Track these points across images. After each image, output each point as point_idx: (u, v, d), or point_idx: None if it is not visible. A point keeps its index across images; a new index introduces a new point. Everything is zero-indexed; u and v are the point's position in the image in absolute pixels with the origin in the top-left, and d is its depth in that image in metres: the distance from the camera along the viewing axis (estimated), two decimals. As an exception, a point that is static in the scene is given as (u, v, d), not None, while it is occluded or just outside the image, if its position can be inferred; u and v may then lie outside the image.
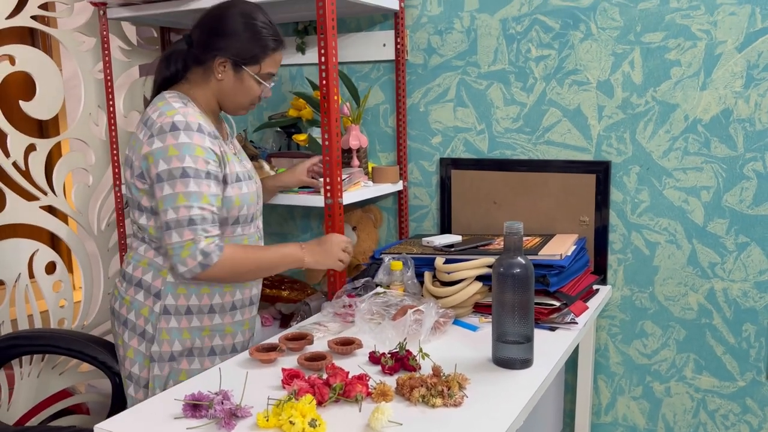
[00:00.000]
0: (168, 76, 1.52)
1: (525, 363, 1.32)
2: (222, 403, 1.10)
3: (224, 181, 1.45)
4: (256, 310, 1.64)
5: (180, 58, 1.51)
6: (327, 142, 1.73)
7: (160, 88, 1.53)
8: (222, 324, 1.53)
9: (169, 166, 1.36)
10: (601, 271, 1.93)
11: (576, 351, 1.96)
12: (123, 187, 2.23)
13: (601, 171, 1.89)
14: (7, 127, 2.03)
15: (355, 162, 2.08)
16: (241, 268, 1.44)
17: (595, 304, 1.74)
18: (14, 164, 2.05)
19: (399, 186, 2.14)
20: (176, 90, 1.50)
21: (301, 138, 2.14)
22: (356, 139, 2.06)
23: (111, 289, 2.32)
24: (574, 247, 1.76)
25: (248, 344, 1.63)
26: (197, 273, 1.37)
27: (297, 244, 1.54)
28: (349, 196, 1.86)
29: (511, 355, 1.31)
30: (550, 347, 1.43)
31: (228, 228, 1.49)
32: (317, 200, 1.82)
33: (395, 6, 2.03)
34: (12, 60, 2.03)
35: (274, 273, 1.55)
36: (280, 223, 2.47)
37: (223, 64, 1.46)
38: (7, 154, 2.03)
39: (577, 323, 1.56)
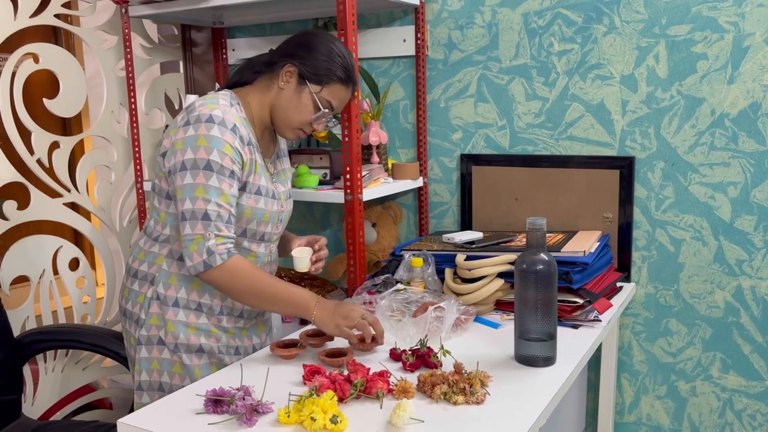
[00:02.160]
0: (238, 80, 1.53)
1: (548, 361, 1.30)
2: (243, 399, 1.10)
3: (242, 189, 1.42)
4: (245, 323, 1.55)
5: (257, 65, 1.52)
6: (347, 139, 1.73)
7: (228, 87, 1.54)
8: (207, 324, 1.49)
9: (195, 156, 1.34)
10: (624, 269, 1.90)
11: (599, 349, 1.94)
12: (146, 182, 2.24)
13: (624, 166, 1.87)
14: (31, 125, 2.05)
15: (375, 158, 2.07)
16: (242, 284, 1.36)
17: (618, 301, 1.71)
18: (38, 161, 2.07)
19: (419, 182, 2.13)
20: (238, 91, 1.50)
21: (321, 135, 2.13)
22: (376, 135, 2.05)
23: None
24: (598, 243, 1.73)
25: (241, 350, 1.56)
26: (200, 271, 1.34)
27: (314, 294, 1.39)
28: (369, 193, 1.85)
29: (534, 352, 1.30)
30: (573, 345, 1.41)
31: (236, 238, 1.46)
32: (337, 196, 1.81)
33: (416, 1, 2.02)
34: (36, 58, 2.05)
35: (274, 309, 1.42)
36: (300, 220, 2.47)
37: (290, 72, 1.45)
38: (31, 152, 2.06)
39: (600, 321, 1.54)
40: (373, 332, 1.36)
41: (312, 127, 1.50)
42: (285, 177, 1.61)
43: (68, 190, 2.16)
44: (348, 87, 1.49)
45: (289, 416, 1.07)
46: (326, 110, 1.47)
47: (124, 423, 1.11)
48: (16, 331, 1.98)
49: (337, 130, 2.14)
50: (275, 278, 1.40)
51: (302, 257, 1.55)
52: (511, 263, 1.58)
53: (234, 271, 1.35)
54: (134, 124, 2.26)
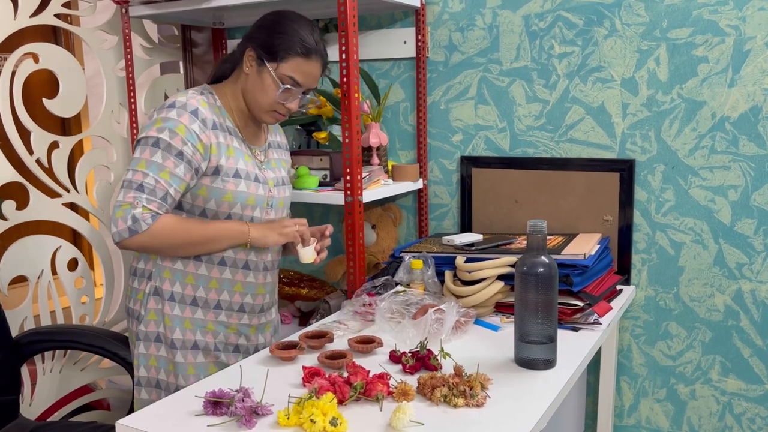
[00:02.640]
0: (218, 76, 1.56)
1: (548, 363, 1.30)
2: (243, 401, 1.09)
3: (215, 173, 1.43)
4: (251, 319, 1.56)
5: (229, 58, 1.55)
6: (347, 140, 1.73)
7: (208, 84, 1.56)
8: (204, 320, 1.50)
9: (147, 134, 1.39)
10: (624, 271, 1.90)
11: (598, 352, 1.93)
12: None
13: (625, 169, 1.86)
14: (31, 125, 2.05)
15: (375, 160, 2.07)
16: (172, 239, 1.38)
17: (618, 304, 1.71)
18: (37, 161, 2.07)
19: (419, 184, 2.13)
20: (214, 86, 1.53)
21: (321, 136, 2.13)
22: (376, 137, 2.05)
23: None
24: (598, 246, 1.73)
25: (242, 349, 1.56)
26: (125, 238, 1.34)
27: (244, 221, 1.47)
28: (369, 194, 1.85)
29: (534, 355, 1.29)
30: (574, 348, 1.41)
31: None
32: (337, 198, 1.81)
33: (416, 3, 2.02)
34: (36, 58, 2.05)
35: (216, 248, 1.45)
36: (300, 221, 2.46)
37: (251, 56, 1.47)
38: (30, 152, 2.05)
39: (600, 324, 1.54)
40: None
41: (285, 107, 1.49)
42: (276, 165, 1.61)
43: (67, 190, 2.16)
44: (310, 60, 1.46)
45: (288, 418, 1.07)
46: (289, 86, 1.46)
47: (122, 424, 1.10)
48: (15, 332, 1.98)
49: (337, 132, 2.14)
50: (203, 221, 1.44)
51: (307, 248, 1.53)
52: (511, 265, 1.58)
53: (160, 230, 1.37)
54: (134, 125, 2.25)
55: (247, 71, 1.48)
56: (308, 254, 1.52)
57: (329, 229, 1.61)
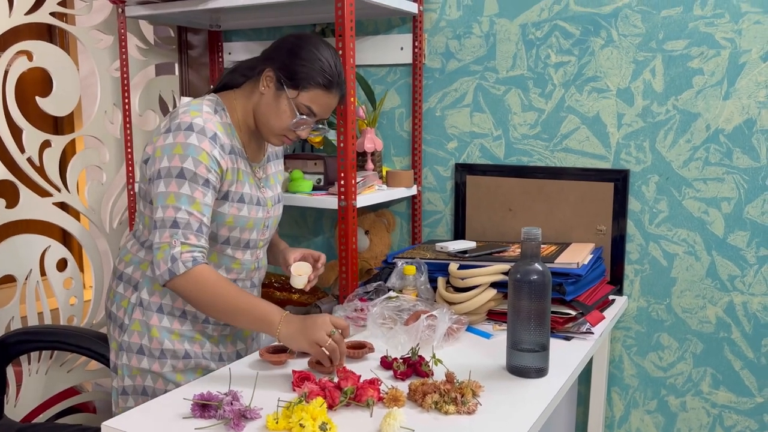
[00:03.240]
0: (227, 83, 1.51)
1: (540, 372, 1.29)
2: (231, 404, 1.08)
3: (224, 198, 1.40)
4: (231, 330, 1.54)
5: (243, 69, 1.50)
6: (342, 145, 1.72)
7: (216, 91, 1.52)
8: (192, 330, 1.47)
9: (170, 164, 1.32)
10: (617, 282, 1.90)
11: (590, 362, 1.93)
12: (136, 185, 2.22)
13: (619, 179, 1.87)
14: (23, 123, 2.03)
15: (370, 165, 2.06)
16: (206, 294, 1.30)
17: (610, 314, 1.71)
18: (29, 160, 2.05)
19: (413, 191, 2.12)
20: (224, 95, 1.48)
21: (316, 140, 2.12)
22: (371, 142, 2.04)
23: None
24: (591, 256, 1.73)
25: (228, 356, 1.54)
26: (166, 280, 1.30)
27: (281, 309, 1.32)
28: (363, 199, 1.84)
29: (526, 363, 1.29)
30: (566, 357, 1.40)
31: (218, 245, 1.44)
32: (331, 202, 1.80)
33: (414, 9, 2.02)
34: (30, 56, 2.04)
35: (239, 323, 1.35)
36: (292, 225, 2.45)
37: (269, 77, 1.41)
38: (22, 150, 2.03)
39: (593, 333, 1.53)
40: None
41: (295, 133, 1.45)
42: (274, 181, 1.58)
43: (58, 190, 2.14)
44: (330, 93, 1.43)
45: (277, 422, 1.06)
46: (304, 116, 1.42)
47: (108, 426, 1.08)
48: (0, 332, 1.95)
49: (332, 136, 2.13)
50: (241, 291, 1.34)
51: (301, 275, 1.52)
52: (504, 273, 1.57)
53: (198, 280, 1.30)
54: (127, 126, 2.24)
55: (263, 91, 1.43)
56: (300, 282, 1.53)
57: (323, 258, 1.60)
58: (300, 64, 1.39)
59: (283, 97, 1.41)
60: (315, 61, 1.40)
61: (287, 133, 1.45)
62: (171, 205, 1.31)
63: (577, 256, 1.65)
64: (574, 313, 1.56)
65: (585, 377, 1.99)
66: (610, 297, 1.82)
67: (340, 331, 1.30)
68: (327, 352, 1.26)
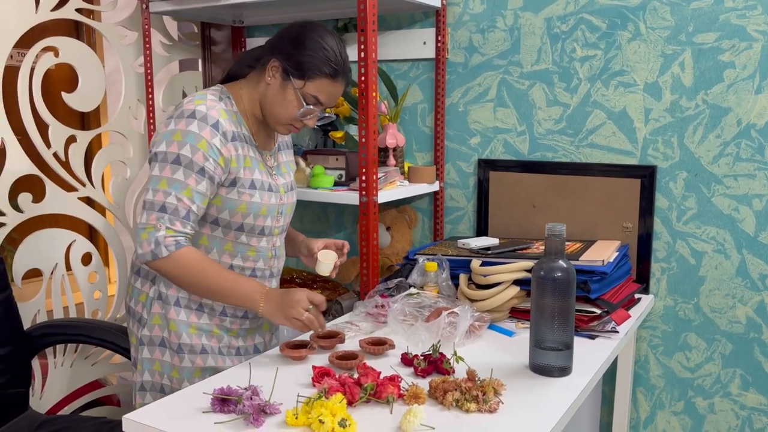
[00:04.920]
0: (233, 74, 1.52)
1: (563, 371, 1.27)
2: (251, 399, 1.07)
3: (232, 184, 1.41)
4: (252, 323, 1.54)
5: (249, 59, 1.50)
6: (364, 140, 1.71)
7: (222, 82, 1.52)
8: (210, 324, 1.47)
9: (167, 149, 1.34)
10: (643, 280, 1.86)
11: (614, 362, 1.89)
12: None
13: (646, 176, 1.83)
14: (49, 118, 2.05)
15: (392, 161, 2.05)
16: (189, 276, 1.35)
17: (636, 313, 1.67)
18: (55, 155, 2.07)
19: (435, 187, 2.10)
20: (230, 86, 1.49)
21: (337, 135, 2.12)
22: (393, 137, 2.03)
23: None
24: (617, 253, 1.69)
25: (246, 350, 1.54)
26: (148, 260, 1.33)
27: (261, 286, 1.39)
28: (385, 195, 1.83)
29: (549, 362, 1.26)
30: (590, 356, 1.38)
31: (232, 232, 1.45)
32: (352, 198, 1.79)
33: (437, 3, 2.00)
34: (56, 52, 2.06)
35: (224, 301, 1.40)
36: (314, 221, 2.45)
37: (275, 67, 1.41)
38: (48, 145, 2.06)
39: (618, 332, 1.50)
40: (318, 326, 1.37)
41: (302, 122, 1.46)
42: (286, 169, 1.59)
43: (83, 185, 2.16)
44: (336, 81, 1.42)
45: (296, 418, 1.05)
46: (311, 106, 1.42)
47: (129, 419, 1.09)
48: (27, 325, 1.98)
49: (354, 131, 2.13)
50: (224, 270, 1.39)
51: (328, 262, 1.53)
52: (528, 270, 1.55)
53: (180, 262, 1.33)
54: (151, 121, 2.25)
55: (269, 81, 1.43)
56: (327, 268, 1.54)
57: (346, 246, 1.61)
58: (305, 53, 1.39)
59: (290, 87, 1.41)
60: (320, 50, 1.39)
61: (294, 122, 1.45)
62: (162, 189, 1.33)
63: (603, 253, 1.62)
64: (599, 311, 1.53)
65: (610, 377, 1.95)
66: (636, 295, 1.78)
67: (315, 306, 1.37)
68: (305, 325, 1.34)
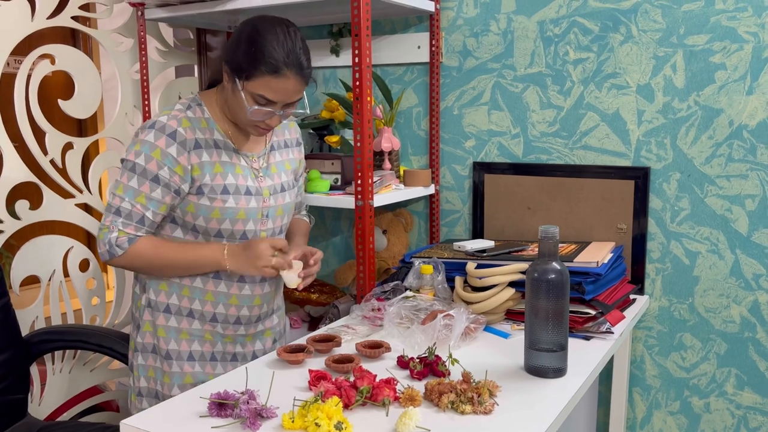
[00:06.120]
0: (212, 79, 1.53)
1: (558, 372, 1.28)
2: (247, 403, 1.08)
3: (199, 192, 1.41)
4: (247, 330, 1.54)
5: (219, 63, 1.50)
6: (359, 144, 1.72)
7: (208, 87, 1.54)
8: (201, 330, 1.49)
9: (127, 157, 1.41)
10: (638, 281, 1.87)
11: (610, 362, 1.90)
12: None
13: (639, 177, 1.84)
14: (46, 126, 2.06)
15: (387, 165, 2.06)
16: (150, 264, 1.42)
17: (631, 314, 1.68)
18: (52, 162, 2.08)
19: (431, 190, 2.12)
20: (205, 93, 1.50)
21: (333, 140, 2.13)
22: (388, 141, 2.04)
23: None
24: (611, 254, 1.70)
25: (243, 356, 1.55)
26: (106, 260, 1.41)
27: (221, 246, 1.43)
28: (380, 199, 1.84)
29: (544, 363, 1.27)
30: (585, 357, 1.39)
31: (212, 239, 1.45)
32: (348, 202, 1.80)
33: (431, 8, 2.01)
34: (52, 59, 2.07)
35: (194, 272, 1.45)
36: (311, 225, 2.46)
37: (226, 70, 1.40)
38: (45, 152, 2.07)
39: (613, 333, 1.51)
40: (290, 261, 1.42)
41: (265, 123, 1.42)
42: (278, 170, 1.54)
43: (80, 191, 2.17)
44: (279, 77, 1.34)
45: (293, 421, 1.06)
46: (258, 107, 1.37)
47: (127, 424, 1.09)
48: (25, 332, 1.98)
49: (349, 136, 2.14)
50: (181, 244, 1.44)
51: (291, 275, 1.44)
52: (523, 272, 1.56)
53: (137, 254, 1.40)
54: (148, 127, 2.26)
55: (225, 85, 1.43)
56: (291, 280, 1.45)
57: (317, 255, 1.52)
58: (241, 54, 1.36)
59: (236, 87, 1.38)
60: (259, 47, 1.33)
61: (257, 122, 1.42)
62: (118, 194, 1.40)
63: (597, 254, 1.63)
64: (593, 312, 1.54)
65: (606, 377, 1.96)
66: (631, 296, 1.79)
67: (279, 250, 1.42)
68: (275, 271, 1.41)
